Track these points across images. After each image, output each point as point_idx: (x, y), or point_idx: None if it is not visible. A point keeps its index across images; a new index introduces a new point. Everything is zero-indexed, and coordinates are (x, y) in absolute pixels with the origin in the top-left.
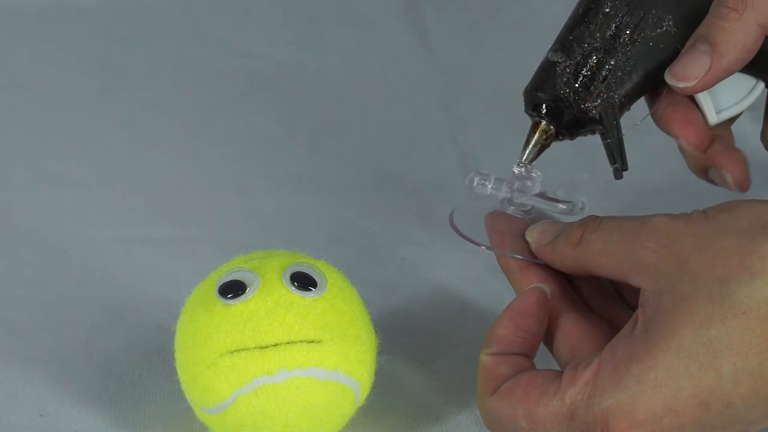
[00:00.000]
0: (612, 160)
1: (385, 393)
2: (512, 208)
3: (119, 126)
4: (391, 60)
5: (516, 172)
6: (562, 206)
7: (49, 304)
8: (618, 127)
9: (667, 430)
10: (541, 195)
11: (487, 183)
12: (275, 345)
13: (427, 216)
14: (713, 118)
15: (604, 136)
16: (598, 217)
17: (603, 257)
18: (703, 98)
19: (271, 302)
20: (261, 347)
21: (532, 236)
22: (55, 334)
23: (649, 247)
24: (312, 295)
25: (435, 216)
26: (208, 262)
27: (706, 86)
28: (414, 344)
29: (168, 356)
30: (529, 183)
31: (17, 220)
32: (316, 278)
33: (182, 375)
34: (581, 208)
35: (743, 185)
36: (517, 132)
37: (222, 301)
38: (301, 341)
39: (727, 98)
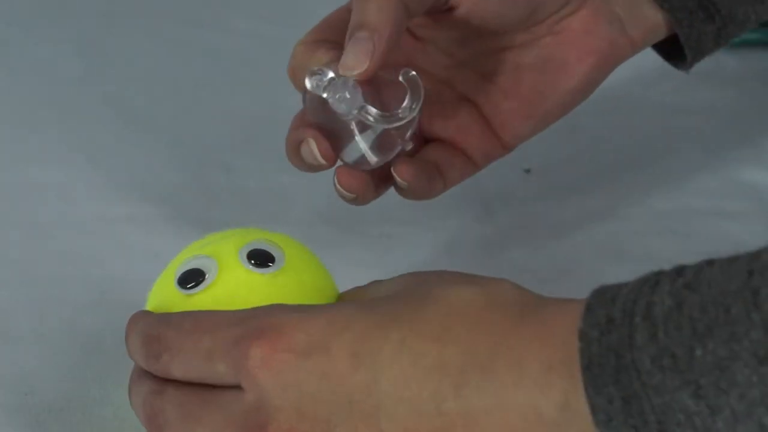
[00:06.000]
0: None
1: None
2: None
3: (103, 104)
4: None
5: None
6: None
7: (33, 283)
8: None
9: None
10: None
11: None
12: None
13: None
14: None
15: None
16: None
17: None
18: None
19: (232, 285)
20: None
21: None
22: (39, 313)
23: None
24: (271, 270)
25: None
26: (192, 240)
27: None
28: None
29: None
30: (347, 95)
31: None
32: (273, 253)
33: None
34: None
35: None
36: None
37: (183, 292)
38: None
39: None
